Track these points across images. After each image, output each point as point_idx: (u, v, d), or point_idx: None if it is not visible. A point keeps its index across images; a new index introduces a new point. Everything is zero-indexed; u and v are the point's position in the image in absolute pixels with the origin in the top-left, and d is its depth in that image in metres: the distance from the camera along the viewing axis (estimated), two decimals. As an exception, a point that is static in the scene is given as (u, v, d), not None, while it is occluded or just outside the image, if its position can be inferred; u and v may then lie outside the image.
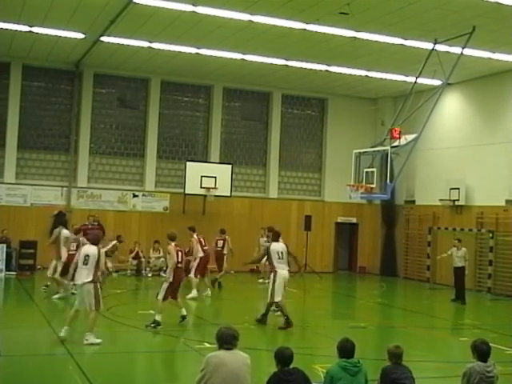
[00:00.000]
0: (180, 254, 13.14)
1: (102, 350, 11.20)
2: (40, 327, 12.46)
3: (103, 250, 12.10)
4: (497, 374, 6.79)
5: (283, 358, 6.30)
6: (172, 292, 12.98)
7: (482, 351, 6.73)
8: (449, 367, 10.58)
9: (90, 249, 11.51)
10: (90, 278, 11.21)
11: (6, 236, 21.20)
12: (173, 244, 13.05)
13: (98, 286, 11.40)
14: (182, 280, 13.55)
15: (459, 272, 19.10)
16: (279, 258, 13.65)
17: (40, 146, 23.41)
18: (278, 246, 13.83)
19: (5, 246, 20.47)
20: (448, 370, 10.34)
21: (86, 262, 11.30)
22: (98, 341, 11.31)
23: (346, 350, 6.65)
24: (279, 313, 13.81)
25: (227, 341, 6.15)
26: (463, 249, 19.06)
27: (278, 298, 13.35)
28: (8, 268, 20.57)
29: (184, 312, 13.25)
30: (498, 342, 12.04)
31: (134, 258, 22.29)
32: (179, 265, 13.05)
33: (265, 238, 19.90)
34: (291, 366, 6.29)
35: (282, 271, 13.52)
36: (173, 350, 11.56)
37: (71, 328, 11.34)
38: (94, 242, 11.71)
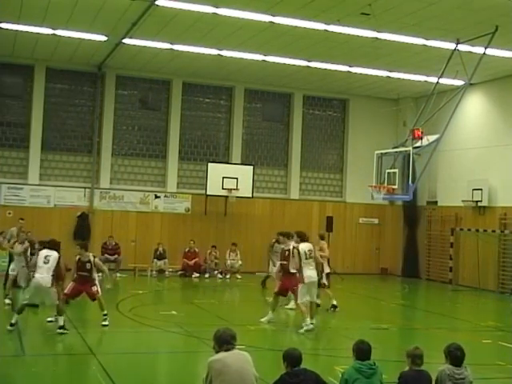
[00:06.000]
0: None
1: (125, 350, 11.29)
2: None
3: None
4: (469, 378, 6.72)
5: (291, 358, 6.35)
6: None
7: (455, 357, 6.77)
8: (470, 369, 10.46)
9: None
10: None
11: (30, 238, 21.34)
12: None
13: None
14: None
15: None
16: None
17: (63, 147, 23.62)
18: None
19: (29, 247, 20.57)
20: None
21: None
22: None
23: (361, 351, 6.68)
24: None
25: (227, 341, 6.20)
26: None
27: None
28: (32, 269, 20.69)
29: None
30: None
31: (158, 259, 22.38)
32: None
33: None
34: (301, 367, 6.32)
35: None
36: (195, 351, 11.60)
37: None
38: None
